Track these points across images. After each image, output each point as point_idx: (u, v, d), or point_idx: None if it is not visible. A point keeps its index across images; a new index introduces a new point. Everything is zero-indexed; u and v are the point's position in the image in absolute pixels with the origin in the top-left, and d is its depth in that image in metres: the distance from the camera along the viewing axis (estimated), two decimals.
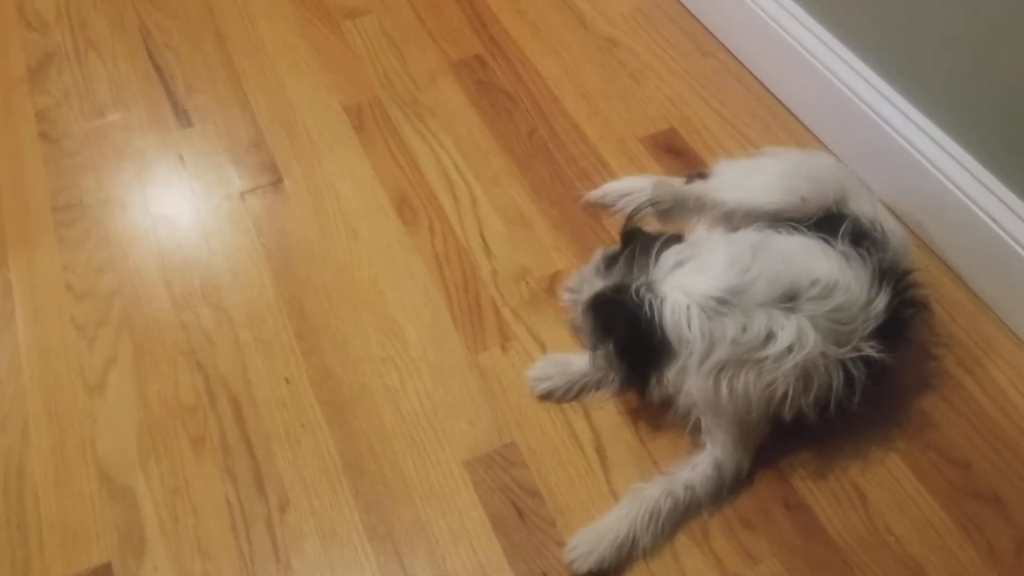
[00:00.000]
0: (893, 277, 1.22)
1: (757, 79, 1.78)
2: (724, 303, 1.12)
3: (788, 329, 1.12)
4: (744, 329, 1.11)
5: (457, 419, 1.33)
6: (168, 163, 1.71)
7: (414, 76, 1.83)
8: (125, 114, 1.80)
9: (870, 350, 1.17)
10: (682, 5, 1.93)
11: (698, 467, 1.20)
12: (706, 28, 1.88)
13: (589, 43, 1.88)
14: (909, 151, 1.46)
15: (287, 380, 1.38)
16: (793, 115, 1.71)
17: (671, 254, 1.17)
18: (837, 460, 1.25)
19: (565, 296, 1.40)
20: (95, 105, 1.81)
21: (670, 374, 1.15)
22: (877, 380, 1.19)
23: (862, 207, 1.31)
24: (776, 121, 1.71)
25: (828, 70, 1.58)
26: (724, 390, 1.13)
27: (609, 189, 1.58)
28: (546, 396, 1.34)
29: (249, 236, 1.58)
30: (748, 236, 1.24)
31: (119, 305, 1.49)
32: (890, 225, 1.31)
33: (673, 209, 1.37)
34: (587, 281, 1.26)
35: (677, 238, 1.23)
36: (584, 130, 1.72)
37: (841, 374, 1.16)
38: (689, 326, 1.11)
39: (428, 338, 1.42)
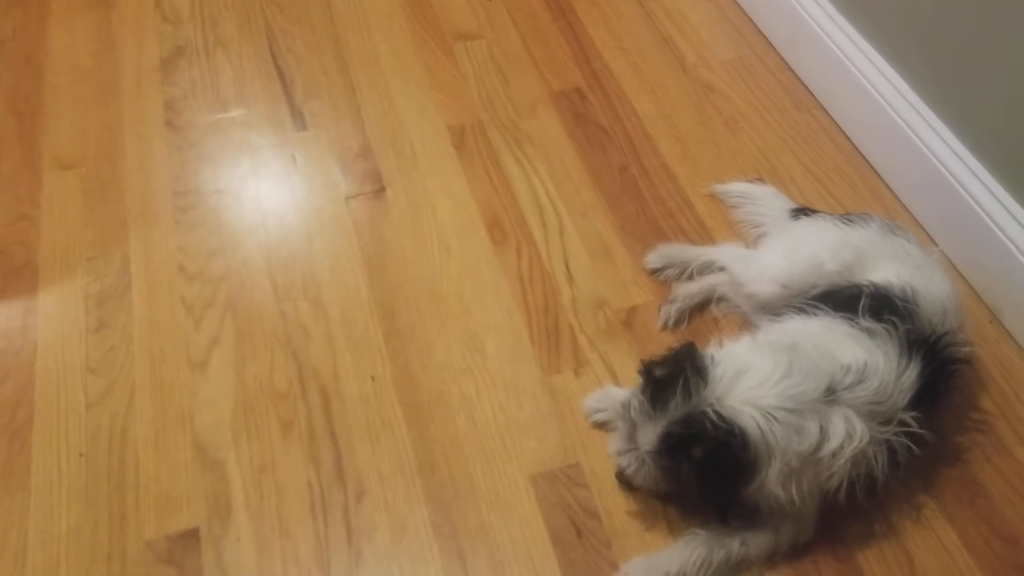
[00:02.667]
0: (924, 343, 1.26)
1: (850, 140, 1.83)
2: (789, 411, 1.17)
3: (837, 424, 1.19)
4: (801, 432, 1.17)
5: (527, 435, 1.41)
6: (282, 162, 1.82)
7: (516, 103, 1.92)
8: (246, 111, 1.92)
9: (912, 422, 1.22)
10: (783, 60, 1.99)
11: (758, 527, 1.25)
12: (804, 84, 1.94)
13: (687, 87, 1.95)
14: (992, 229, 1.49)
15: (373, 379, 1.48)
16: (882, 180, 1.75)
17: (723, 368, 1.20)
18: (889, 521, 1.30)
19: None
20: (219, 99, 1.94)
21: (752, 490, 1.20)
22: (921, 448, 1.24)
23: (884, 273, 1.35)
24: (864, 183, 1.76)
25: (923, 142, 1.62)
26: (793, 493, 1.19)
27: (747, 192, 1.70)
28: (599, 426, 1.41)
29: (350, 239, 1.68)
30: (778, 337, 1.30)
31: (226, 290, 1.61)
32: (926, 289, 1.33)
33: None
34: (636, 425, 1.22)
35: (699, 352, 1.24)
36: (674, 171, 1.79)
37: (885, 451, 1.22)
38: (769, 441, 1.16)
39: (506, 355, 1.51)
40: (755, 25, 2.06)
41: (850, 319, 1.29)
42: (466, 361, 1.50)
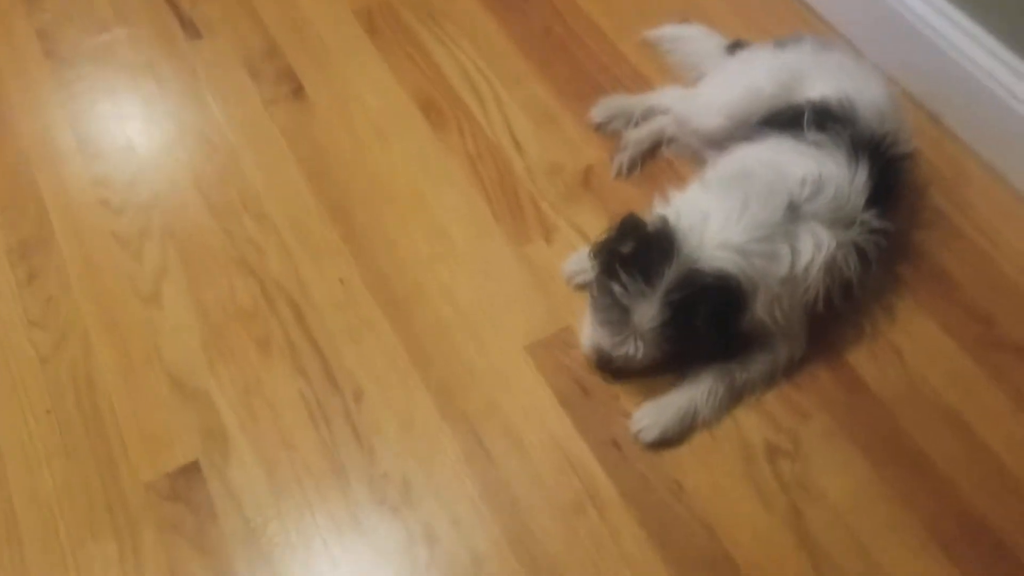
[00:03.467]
0: (869, 145, 1.29)
1: None
2: (759, 241, 1.19)
3: (805, 239, 1.21)
4: (775, 257, 1.19)
5: (512, 309, 1.39)
6: (183, 76, 1.69)
7: None
8: (129, 29, 1.77)
9: (872, 219, 1.26)
10: None
11: (754, 352, 1.27)
12: None
13: None
14: (923, 32, 1.53)
15: (342, 281, 1.42)
16: (809, 6, 1.76)
17: (686, 220, 1.19)
18: (872, 321, 1.34)
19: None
20: (96, 20, 1.78)
21: (744, 323, 1.21)
22: (887, 241, 1.29)
23: (821, 89, 1.37)
24: (791, 12, 1.76)
25: None
26: (778, 315, 1.21)
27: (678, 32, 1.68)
28: (583, 287, 1.39)
29: (279, 146, 1.59)
30: (727, 169, 1.31)
31: (159, 217, 1.50)
32: (863, 96, 1.35)
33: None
34: (626, 308, 1.18)
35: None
36: (600, 25, 1.75)
37: (854, 253, 1.25)
38: (751, 275, 1.18)
39: (473, 235, 1.47)
40: None
41: (796, 135, 1.31)
42: (434, 248, 1.46)
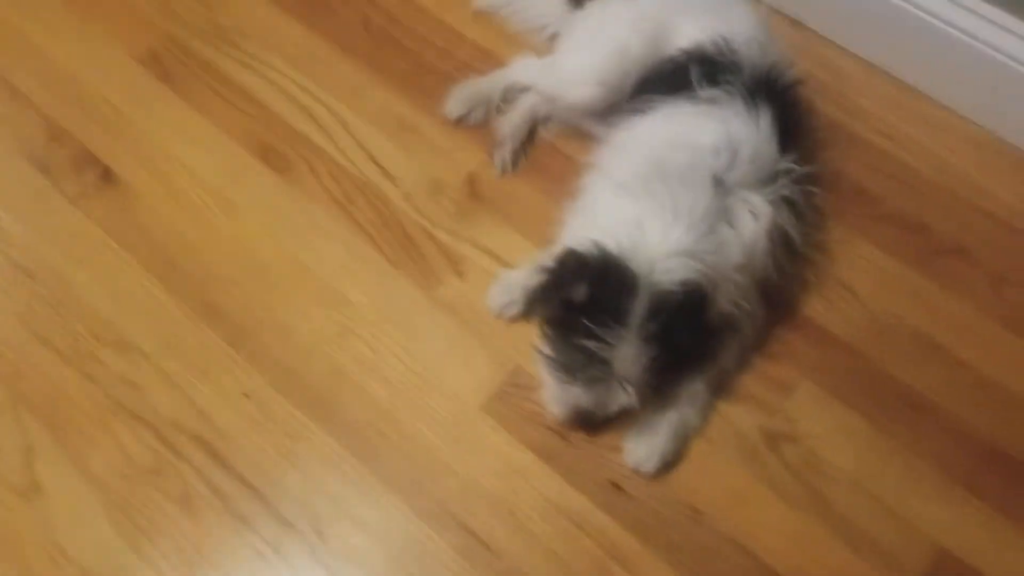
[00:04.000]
0: (761, 86, 1.21)
1: None
2: (704, 235, 1.09)
3: (741, 215, 1.13)
4: (723, 245, 1.10)
5: (448, 366, 1.24)
6: None
7: None
8: None
9: (793, 165, 1.19)
10: None
11: (722, 341, 1.18)
12: None
13: None
14: None
15: (247, 395, 1.22)
16: None
17: (626, 241, 1.06)
18: (817, 268, 1.28)
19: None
20: None
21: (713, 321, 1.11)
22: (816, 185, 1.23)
23: (690, 34, 1.26)
24: None
25: None
26: (740, 301, 1.13)
27: None
28: (518, 318, 1.26)
29: (108, 249, 1.33)
30: (637, 163, 1.18)
31: (1, 387, 1.23)
32: (736, 30, 1.26)
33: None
34: (606, 360, 1.05)
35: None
36: (422, 4, 1.54)
37: (786, 207, 1.18)
38: (710, 275, 1.07)
39: (375, 292, 1.29)
40: None
41: (688, 96, 1.20)
42: (336, 322, 1.27)
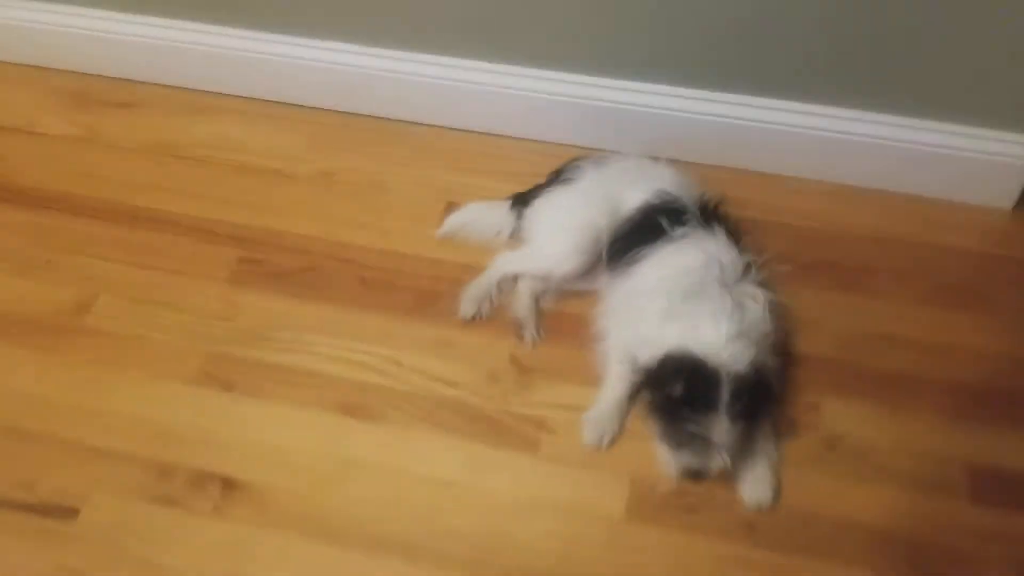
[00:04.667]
0: (702, 211, 1.67)
1: (462, 130, 2.10)
2: (738, 320, 1.49)
3: (748, 300, 1.55)
4: (753, 323, 1.52)
5: (582, 499, 1.53)
6: None
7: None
8: None
9: (755, 261, 1.64)
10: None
11: None
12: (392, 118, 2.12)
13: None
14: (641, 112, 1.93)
15: None
16: (530, 140, 2.07)
17: (693, 340, 1.45)
18: (790, 315, 1.73)
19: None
20: None
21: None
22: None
23: (636, 196, 1.70)
24: (517, 148, 2.05)
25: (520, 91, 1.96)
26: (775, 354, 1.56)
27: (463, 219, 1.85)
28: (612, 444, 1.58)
29: (264, 539, 1.52)
30: (662, 293, 1.56)
31: None
32: (664, 180, 1.71)
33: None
34: (705, 438, 1.42)
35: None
36: (398, 250, 1.89)
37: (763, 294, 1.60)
38: (758, 347, 1.49)
39: (500, 476, 1.57)
40: None
41: (666, 239, 1.62)
42: (488, 504, 1.53)
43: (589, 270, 1.73)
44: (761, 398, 1.46)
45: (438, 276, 1.84)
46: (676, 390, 1.42)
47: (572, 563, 1.47)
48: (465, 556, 1.48)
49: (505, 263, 1.80)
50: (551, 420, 1.63)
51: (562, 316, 1.77)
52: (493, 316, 1.77)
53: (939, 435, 1.57)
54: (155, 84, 2.22)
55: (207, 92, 2.19)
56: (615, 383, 1.61)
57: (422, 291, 1.82)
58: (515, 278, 1.79)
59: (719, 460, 1.45)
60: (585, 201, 1.73)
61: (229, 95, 2.18)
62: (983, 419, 1.59)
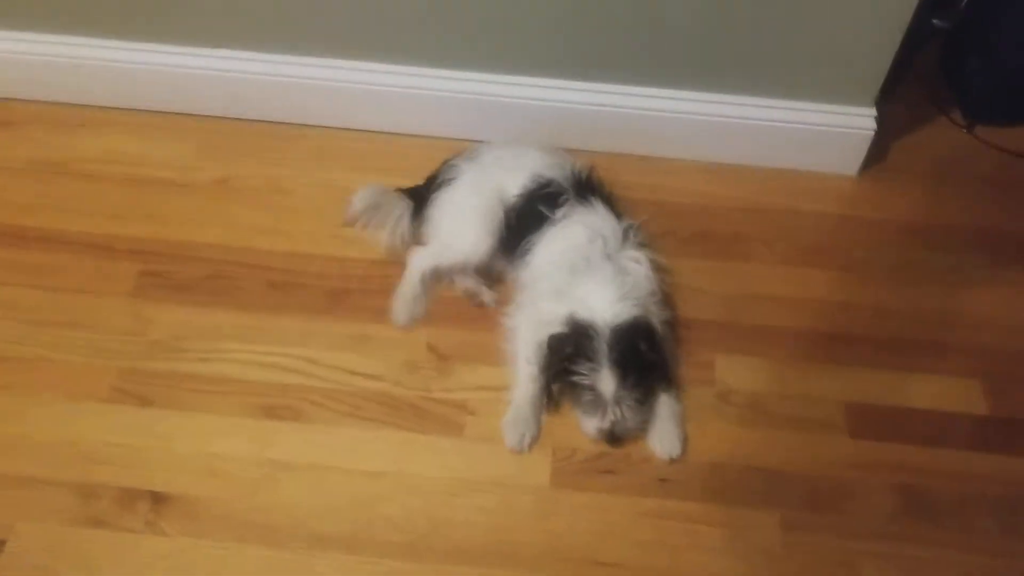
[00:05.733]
0: (576, 186, 1.80)
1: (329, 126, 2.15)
2: (622, 286, 1.64)
3: (632, 265, 1.70)
4: (636, 286, 1.67)
5: (509, 473, 1.64)
6: None
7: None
8: None
9: (631, 228, 1.78)
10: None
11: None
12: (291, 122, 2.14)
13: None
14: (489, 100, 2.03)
15: None
16: (394, 133, 2.14)
17: (580, 310, 1.60)
18: (671, 281, 1.88)
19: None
20: None
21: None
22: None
23: (516, 183, 1.81)
24: (397, 144, 2.12)
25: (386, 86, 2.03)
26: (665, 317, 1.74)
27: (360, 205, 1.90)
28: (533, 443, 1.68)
29: (212, 551, 1.55)
30: (555, 282, 1.68)
31: None
32: (537, 164, 1.82)
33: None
34: (598, 390, 1.56)
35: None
36: (300, 251, 1.92)
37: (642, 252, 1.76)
38: (642, 308, 1.63)
39: (430, 459, 1.65)
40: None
41: (550, 222, 1.75)
42: (424, 490, 1.61)
43: (494, 253, 1.83)
44: (643, 346, 1.58)
45: (346, 274, 1.90)
46: (566, 352, 1.56)
47: (505, 535, 1.56)
48: (403, 541, 1.55)
49: (422, 261, 1.86)
50: (472, 402, 1.72)
51: (463, 304, 1.86)
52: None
53: (815, 380, 1.76)
54: (34, 101, 2.16)
55: (91, 106, 2.15)
56: (526, 383, 1.69)
57: (332, 289, 1.87)
58: (434, 273, 1.86)
59: (614, 414, 1.57)
60: (475, 191, 1.83)
61: (114, 108, 2.15)
62: (850, 362, 1.79)
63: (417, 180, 1.96)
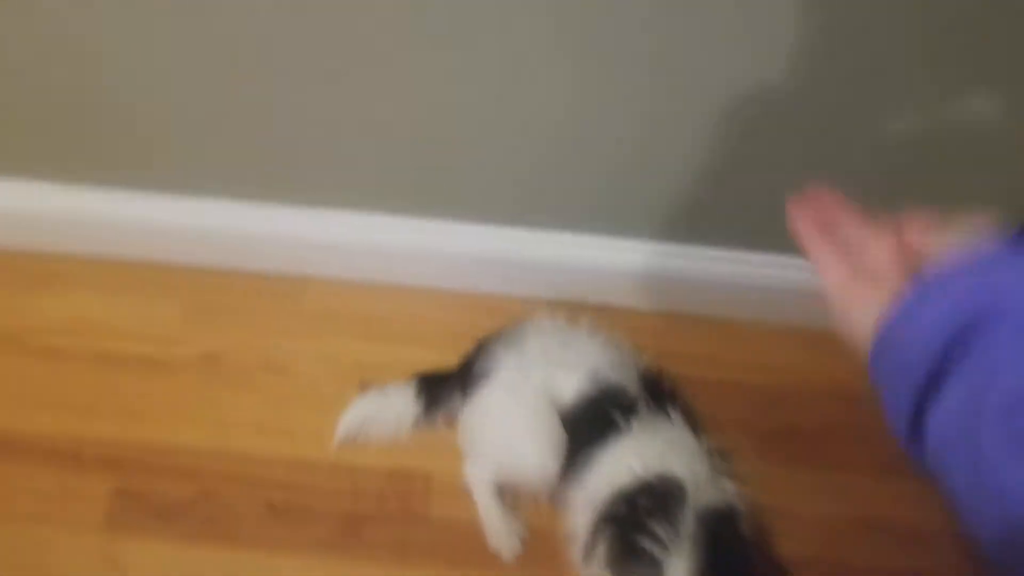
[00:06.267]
0: (647, 386, 1.46)
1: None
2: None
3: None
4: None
5: None
6: None
7: None
8: None
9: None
10: None
11: None
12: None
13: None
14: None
15: None
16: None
17: None
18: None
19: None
20: None
21: None
22: None
23: (571, 386, 1.46)
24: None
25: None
26: None
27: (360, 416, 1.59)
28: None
29: None
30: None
31: None
32: (599, 361, 1.47)
33: None
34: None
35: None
36: (308, 459, 1.61)
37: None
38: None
39: None
40: None
41: (619, 433, 1.39)
42: None
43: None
44: (736, 550, 1.26)
45: (359, 490, 1.58)
46: (641, 503, 1.24)
47: None
48: None
49: (481, 476, 1.54)
50: None
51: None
52: None
53: None
54: None
55: (57, 255, 1.78)
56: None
57: (343, 515, 1.56)
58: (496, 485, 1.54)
59: None
60: (520, 395, 1.48)
61: (82, 259, 1.78)
62: None
63: (438, 351, 1.62)
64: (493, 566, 1.50)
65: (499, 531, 1.52)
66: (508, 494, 1.55)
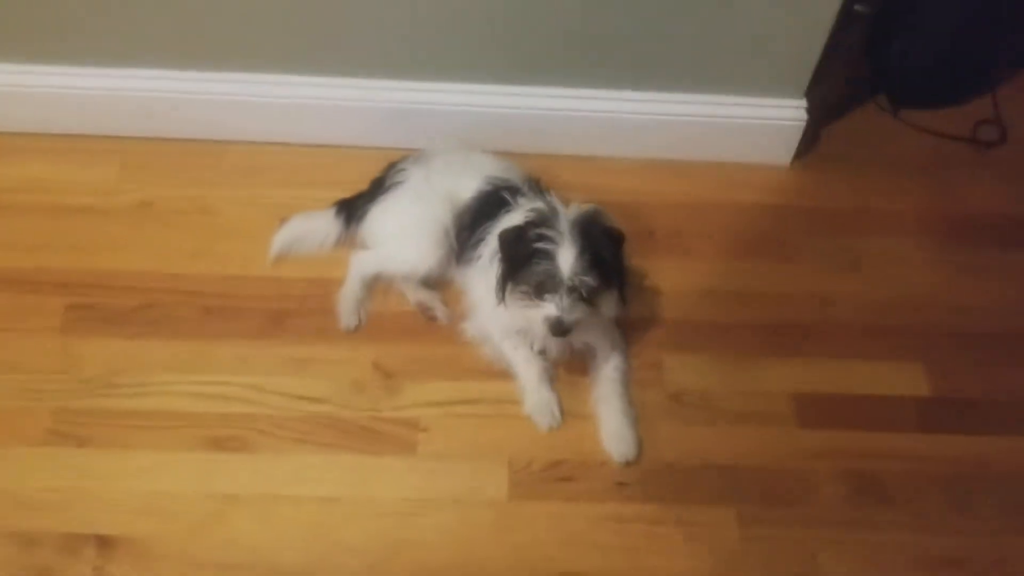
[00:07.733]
0: (533, 189, 1.79)
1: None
2: None
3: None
4: None
5: (467, 490, 1.62)
6: None
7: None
8: None
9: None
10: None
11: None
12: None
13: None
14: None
15: None
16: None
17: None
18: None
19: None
20: None
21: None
22: None
23: (468, 187, 1.79)
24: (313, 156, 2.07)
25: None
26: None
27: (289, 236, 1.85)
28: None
29: None
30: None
31: None
32: (490, 166, 1.82)
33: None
34: (551, 272, 1.52)
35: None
36: (234, 273, 1.87)
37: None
38: None
39: (384, 482, 1.62)
40: None
41: (508, 208, 1.71)
42: (382, 514, 1.58)
43: (444, 263, 1.80)
44: (601, 232, 1.57)
45: (284, 294, 1.85)
46: (529, 233, 1.55)
47: (467, 551, 1.55)
48: (363, 566, 1.52)
49: (364, 264, 1.82)
50: (424, 419, 1.69)
51: (415, 315, 1.82)
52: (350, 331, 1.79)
53: (762, 374, 1.78)
54: None
55: (4, 132, 2.04)
56: (526, 368, 1.71)
57: (270, 312, 1.82)
58: (377, 277, 1.83)
59: (576, 304, 1.54)
60: (423, 199, 1.79)
61: (29, 133, 2.04)
62: (795, 353, 1.81)
63: (349, 191, 1.91)
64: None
65: (347, 307, 1.79)
66: (382, 283, 1.84)
